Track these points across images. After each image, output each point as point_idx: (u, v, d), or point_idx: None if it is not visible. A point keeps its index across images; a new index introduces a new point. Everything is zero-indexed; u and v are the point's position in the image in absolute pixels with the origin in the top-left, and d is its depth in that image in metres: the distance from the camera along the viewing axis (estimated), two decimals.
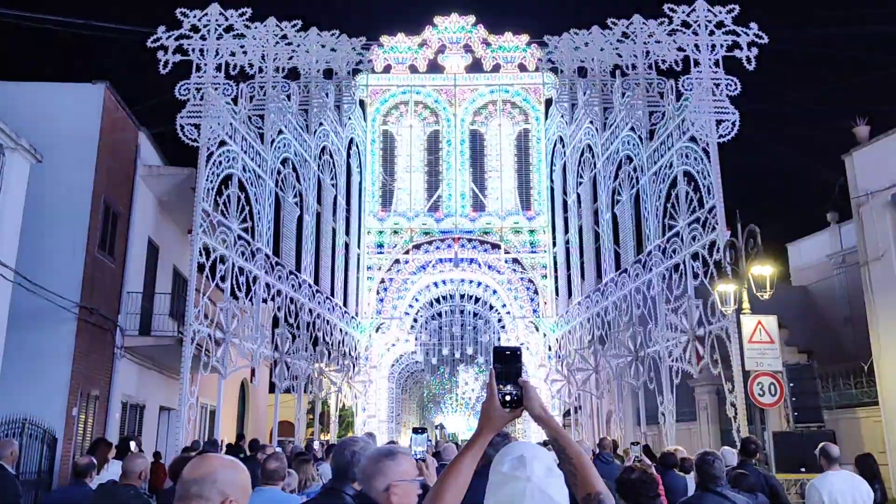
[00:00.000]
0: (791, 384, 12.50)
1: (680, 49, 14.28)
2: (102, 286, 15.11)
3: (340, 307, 20.78)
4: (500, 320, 24.06)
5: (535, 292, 22.71)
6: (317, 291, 18.67)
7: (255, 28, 15.18)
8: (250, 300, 14.60)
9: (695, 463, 5.07)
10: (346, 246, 21.98)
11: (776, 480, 7.45)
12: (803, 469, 9.92)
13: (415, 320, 23.72)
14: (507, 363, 2.08)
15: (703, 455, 4.96)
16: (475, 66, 22.41)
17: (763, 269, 10.96)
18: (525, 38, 22.35)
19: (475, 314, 25.38)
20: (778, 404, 11.57)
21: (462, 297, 24.59)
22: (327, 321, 19.17)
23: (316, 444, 15.54)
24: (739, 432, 11.84)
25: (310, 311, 17.76)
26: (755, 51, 13.73)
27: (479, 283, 23.70)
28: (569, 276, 21.65)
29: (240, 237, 14.47)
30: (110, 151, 15.43)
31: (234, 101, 14.67)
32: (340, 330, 20.45)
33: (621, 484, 4.10)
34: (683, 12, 14.33)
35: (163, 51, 13.97)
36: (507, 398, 2.05)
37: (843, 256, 21.00)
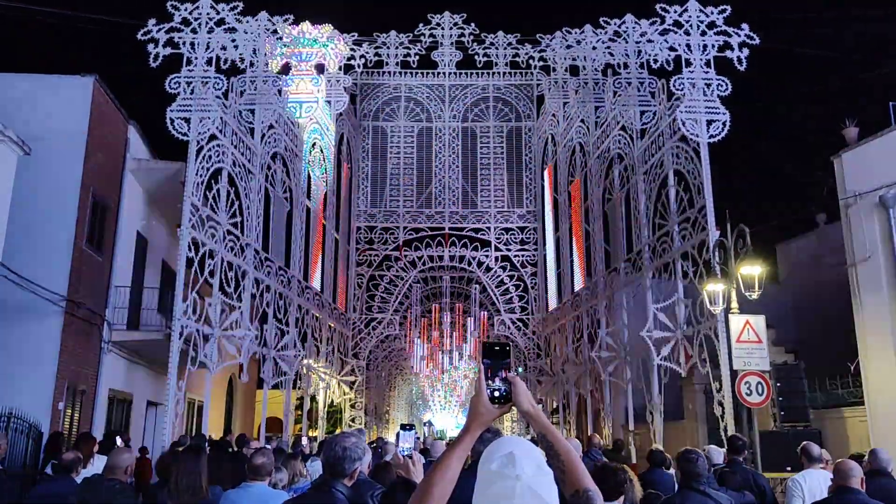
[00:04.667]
0: (778, 384, 12.56)
1: (671, 49, 14.30)
2: (90, 280, 15.01)
3: (330, 303, 20.73)
4: (489, 317, 24.09)
5: (525, 290, 22.76)
6: (306, 287, 18.62)
7: (247, 22, 15.11)
8: (239, 296, 14.54)
9: (676, 461, 5.04)
10: (336, 242, 21.93)
11: (765, 479, 7.50)
12: (789, 468, 9.96)
13: (404, 317, 23.72)
14: (496, 358, 2.06)
15: (685, 453, 4.90)
16: (467, 64, 22.40)
17: (752, 269, 11.00)
18: (518, 36, 22.34)
19: (465, 311, 25.42)
20: (765, 404, 11.63)
21: (452, 294, 24.62)
22: (316, 317, 19.13)
23: (304, 441, 15.50)
24: (727, 431, 11.90)
25: (299, 306, 17.70)
26: (746, 51, 13.78)
27: (470, 281, 23.72)
28: (559, 275, 21.68)
29: (229, 232, 14.40)
30: (99, 144, 15.33)
31: (225, 95, 14.59)
32: (329, 326, 20.41)
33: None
34: (675, 12, 14.36)
35: (153, 44, 13.87)
36: (496, 394, 2.04)
37: (831, 257, 21.12)
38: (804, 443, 6.50)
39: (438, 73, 22.58)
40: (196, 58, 14.01)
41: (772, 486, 7.89)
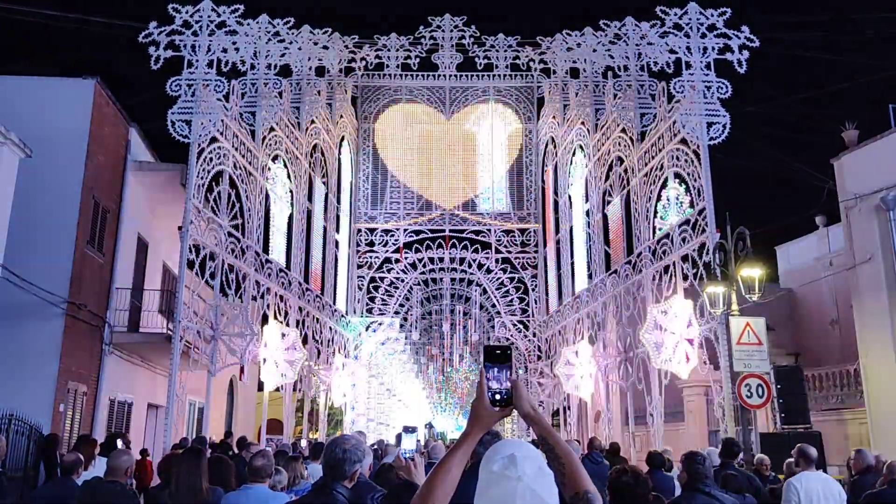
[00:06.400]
0: (778, 386, 12.58)
1: (672, 51, 14.33)
2: (91, 282, 15.02)
3: (330, 305, 20.75)
4: (490, 320, 24.11)
5: (526, 292, 22.77)
6: (307, 289, 18.64)
7: (248, 25, 15.13)
8: (240, 298, 14.56)
9: (682, 463, 5.08)
10: (337, 244, 21.95)
11: (758, 481, 7.52)
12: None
13: (405, 319, 23.73)
14: (497, 361, 2.08)
15: (691, 455, 4.95)
16: (467, 66, 22.43)
17: (752, 272, 11.02)
18: (518, 38, 22.35)
19: (465, 313, 25.43)
20: (765, 406, 11.64)
21: (452, 296, 24.62)
22: (317, 319, 19.14)
23: (303, 443, 15.51)
24: (727, 433, 11.91)
25: (300, 309, 17.72)
26: (746, 54, 13.80)
27: (470, 283, 23.74)
28: (559, 277, 21.70)
29: (230, 234, 14.43)
30: (100, 146, 15.35)
31: (226, 97, 14.61)
32: (330, 328, 20.43)
33: (613, 487, 4.09)
34: (675, 15, 14.37)
35: (154, 46, 13.90)
36: (497, 397, 2.05)
37: (831, 259, 21.15)
38: (800, 445, 6.53)
39: (439, 76, 22.60)
40: (197, 60, 14.04)
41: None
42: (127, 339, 16.12)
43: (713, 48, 13.95)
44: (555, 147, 22.03)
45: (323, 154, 20.65)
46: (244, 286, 14.78)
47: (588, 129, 18.79)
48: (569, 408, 21.00)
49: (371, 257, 22.91)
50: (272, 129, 16.69)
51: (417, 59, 21.56)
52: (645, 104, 15.91)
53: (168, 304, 16.91)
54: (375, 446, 12.55)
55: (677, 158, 14.16)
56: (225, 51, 14.65)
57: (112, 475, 5.31)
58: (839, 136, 17.90)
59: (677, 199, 14.16)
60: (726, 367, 11.92)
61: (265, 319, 15.98)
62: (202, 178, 13.67)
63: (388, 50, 21.44)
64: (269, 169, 16.61)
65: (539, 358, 22.58)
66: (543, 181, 23.12)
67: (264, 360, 13.68)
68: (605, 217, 17.94)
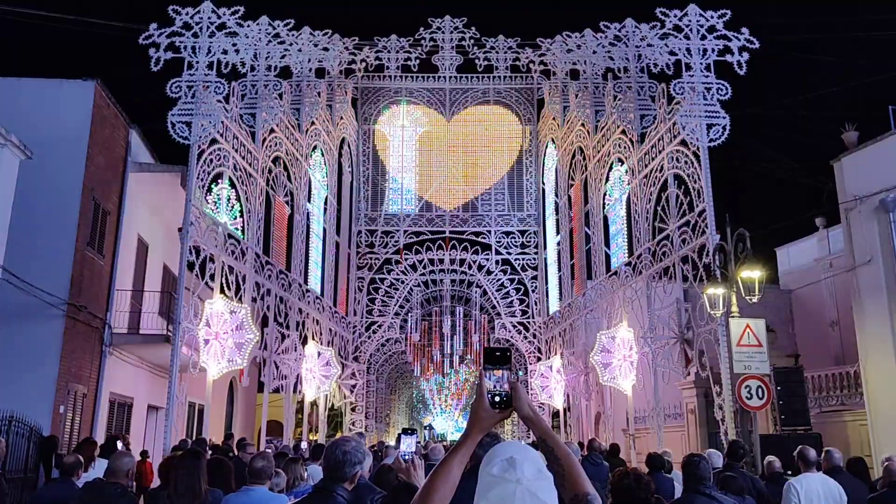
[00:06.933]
0: (779, 387, 12.57)
1: (672, 53, 14.34)
2: (91, 283, 15.02)
3: (330, 307, 20.75)
4: (490, 321, 24.11)
5: (526, 293, 22.77)
6: (307, 291, 18.64)
7: (248, 26, 15.14)
8: (240, 299, 14.56)
9: (681, 465, 5.10)
10: (337, 245, 21.95)
11: (762, 483, 7.53)
12: (789, 472, 9.97)
13: (405, 321, 23.73)
14: (497, 363, 2.08)
15: (690, 457, 4.98)
16: (468, 68, 22.44)
17: (752, 273, 11.01)
18: (518, 40, 22.35)
19: (466, 315, 25.43)
20: (765, 407, 11.63)
21: (452, 297, 24.63)
22: (317, 321, 19.14)
23: (304, 445, 15.50)
24: (727, 435, 11.91)
25: (299, 310, 17.72)
26: (746, 55, 13.81)
27: (470, 284, 23.75)
28: (559, 278, 21.70)
29: (230, 236, 14.43)
30: (100, 148, 15.35)
31: (226, 99, 14.62)
32: (330, 330, 20.42)
33: (615, 490, 4.08)
34: (675, 16, 14.38)
35: (154, 48, 13.90)
36: (496, 399, 2.05)
37: (831, 261, 21.14)
38: (800, 447, 6.54)
39: (439, 77, 22.60)
40: (197, 62, 14.05)
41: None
42: (127, 340, 16.11)
43: (713, 50, 13.96)
44: (555, 148, 22.04)
45: (323, 155, 20.68)
46: (244, 287, 14.79)
47: (588, 131, 18.80)
48: (569, 409, 20.98)
49: (371, 259, 22.91)
50: (272, 131, 16.71)
51: (417, 61, 21.56)
52: (645, 106, 15.92)
53: (168, 306, 16.90)
54: (375, 448, 12.55)
55: (677, 160, 14.17)
56: (225, 52, 14.65)
57: (113, 477, 5.30)
58: (839, 138, 17.90)
59: (677, 200, 14.18)
60: (726, 368, 11.92)
61: (264, 320, 16.00)
62: (202, 179, 13.68)
63: (388, 51, 21.44)
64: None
65: (539, 359, 22.58)
66: (543, 182, 23.13)
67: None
68: (605, 218, 17.96)
